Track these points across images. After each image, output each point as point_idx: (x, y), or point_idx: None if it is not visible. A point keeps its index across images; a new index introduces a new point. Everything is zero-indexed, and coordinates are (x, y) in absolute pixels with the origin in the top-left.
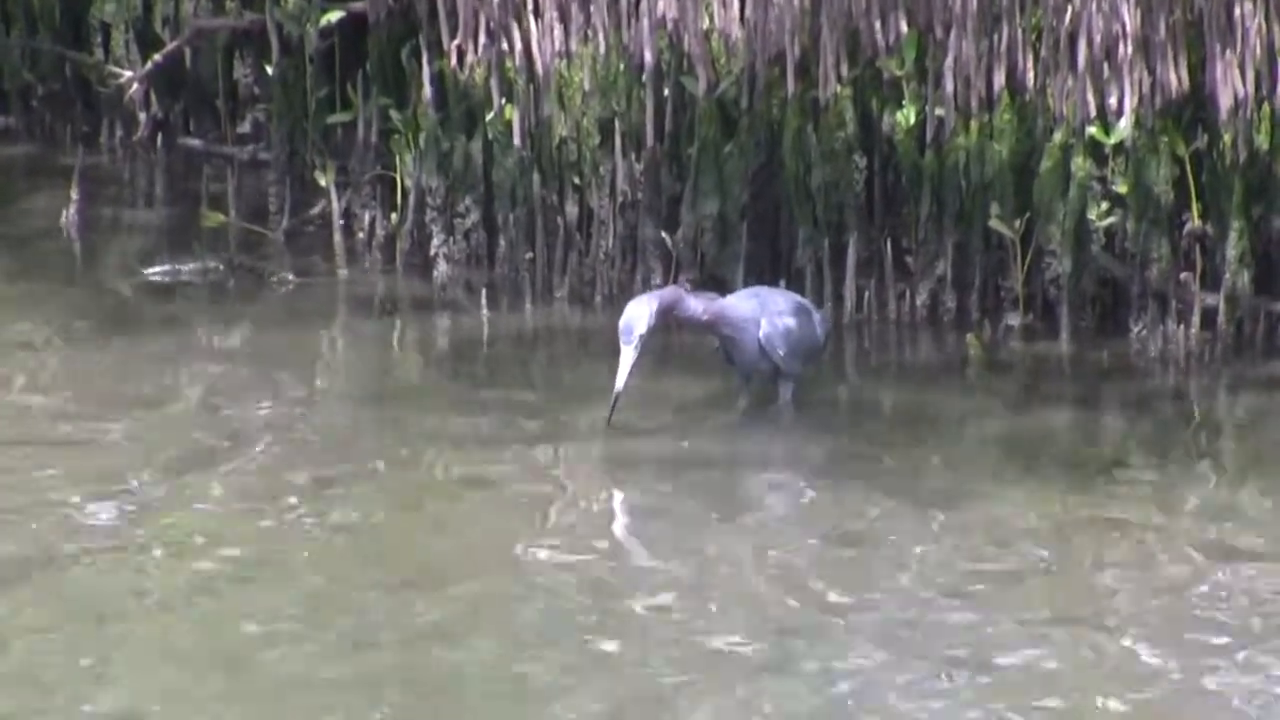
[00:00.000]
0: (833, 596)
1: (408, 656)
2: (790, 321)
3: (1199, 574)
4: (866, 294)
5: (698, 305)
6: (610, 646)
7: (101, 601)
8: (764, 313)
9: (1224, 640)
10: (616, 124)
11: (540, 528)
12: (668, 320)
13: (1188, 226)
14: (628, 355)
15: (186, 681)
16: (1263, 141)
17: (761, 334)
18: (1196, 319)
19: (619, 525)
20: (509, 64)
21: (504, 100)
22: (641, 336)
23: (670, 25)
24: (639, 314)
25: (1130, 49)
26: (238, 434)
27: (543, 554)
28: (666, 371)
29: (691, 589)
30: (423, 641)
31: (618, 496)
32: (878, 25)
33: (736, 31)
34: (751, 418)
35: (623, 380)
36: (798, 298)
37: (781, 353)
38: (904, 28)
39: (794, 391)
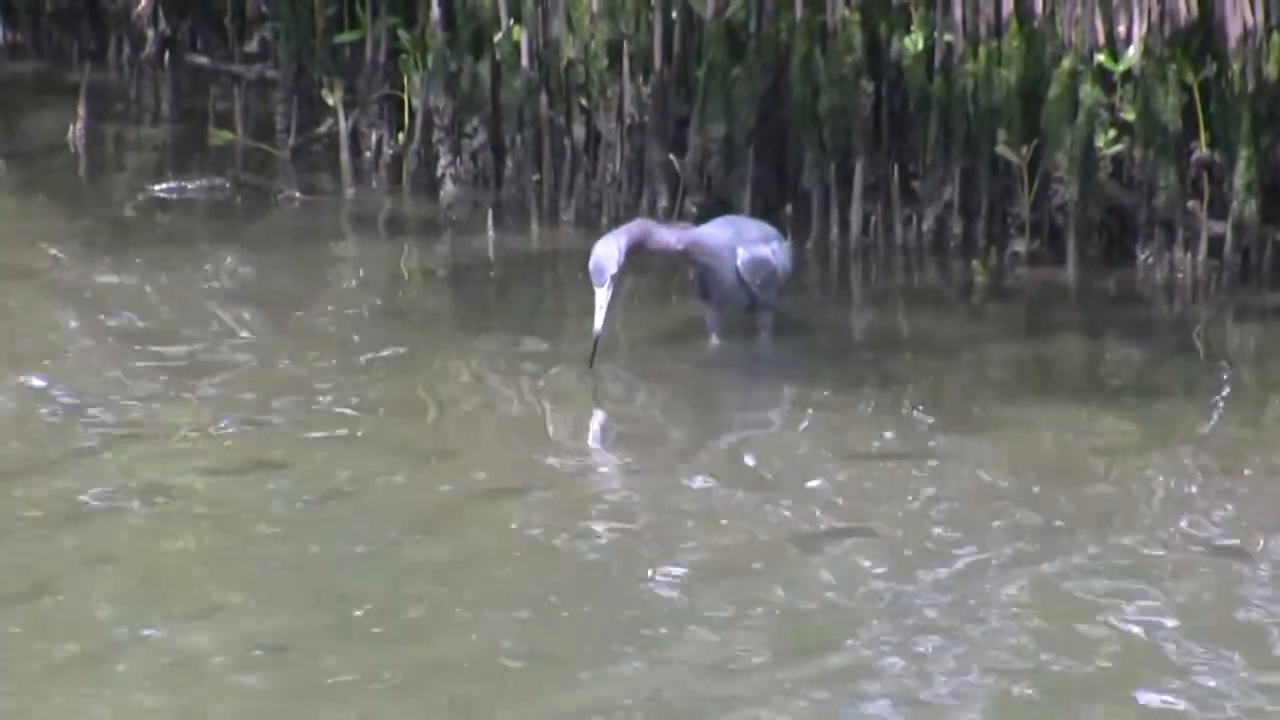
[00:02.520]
0: (835, 520)
1: (395, 590)
2: (765, 250)
3: (1204, 497)
4: (873, 219)
5: (670, 235)
6: (605, 566)
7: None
8: (740, 241)
9: (1235, 564)
10: (624, 46)
11: (537, 453)
12: (641, 254)
13: (1195, 155)
14: (602, 296)
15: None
16: (1271, 71)
17: (739, 261)
18: (1203, 247)
19: (616, 455)
20: None
21: (512, 21)
22: (614, 276)
23: None
24: (608, 254)
25: None
26: (238, 351)
27: (538, 479)
28: (666, 304)
29: (693, 516)
30: (409, 577)
31: (616, 427)
32: None
33: None
34: (735, 350)
35: (600, 322)
36: (769, 227)
37: (759, 280)
38: None
39: (771, 321)
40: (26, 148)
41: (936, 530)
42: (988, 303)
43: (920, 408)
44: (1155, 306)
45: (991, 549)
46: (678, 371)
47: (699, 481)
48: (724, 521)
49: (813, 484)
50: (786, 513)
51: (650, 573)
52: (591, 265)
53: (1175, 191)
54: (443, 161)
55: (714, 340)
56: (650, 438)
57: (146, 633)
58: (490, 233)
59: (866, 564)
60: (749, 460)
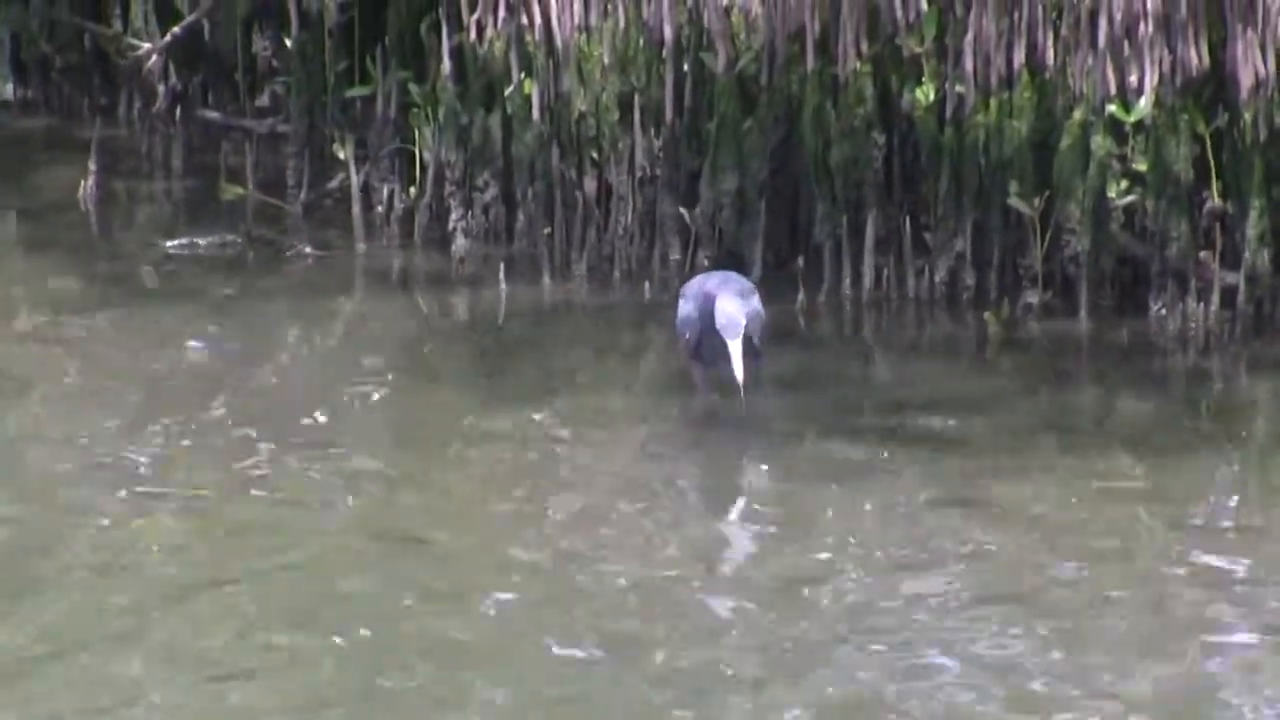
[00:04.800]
0: (849, 564)
1: (407, 627)
2: (756, 298)
3: (1219, 552)
4: (885, 271)
5: None
6: (625, 625)
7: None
8: (742, 294)
9: (1241, 617)
10: (636, 99)
11: (551, 506)
12: None
13: (1208, 205)
14: (737, 348)
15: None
16: None
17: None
18: (1216, 298)
19: (631, 505)
20: (528, 38)
21: (523, 74)
22: (743, 328)
23: (690, 1)
24: (736, 309)
25: (1151, 27)
26: (250, 406)
27: (554, 533)
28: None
29: (700, 560)
30: (422, 614)
31: (631, 476)
32: (898, 2)
33: (756, 7)
34: (737, 406)
35: (740, 369)
36: (740, 276)
37: (758, 328)
38: (924, 4)
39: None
40: (37, 204)
41: (947, 581)
42: (1000, 354)
43: (935, 461)
44: (1168, 358)
45: (1005, 603)
46: (681, 432)
47: (722, 547)
48: (761, 574)
49: (829, 536)
50: (810, 563)
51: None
52: (726, 321)
53: (1188, 242)
54: (454, 215)
55: (711, 397)
56: (668, 496)
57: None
58: (502, 286)
59: (875, 605)
60: (769, 516)
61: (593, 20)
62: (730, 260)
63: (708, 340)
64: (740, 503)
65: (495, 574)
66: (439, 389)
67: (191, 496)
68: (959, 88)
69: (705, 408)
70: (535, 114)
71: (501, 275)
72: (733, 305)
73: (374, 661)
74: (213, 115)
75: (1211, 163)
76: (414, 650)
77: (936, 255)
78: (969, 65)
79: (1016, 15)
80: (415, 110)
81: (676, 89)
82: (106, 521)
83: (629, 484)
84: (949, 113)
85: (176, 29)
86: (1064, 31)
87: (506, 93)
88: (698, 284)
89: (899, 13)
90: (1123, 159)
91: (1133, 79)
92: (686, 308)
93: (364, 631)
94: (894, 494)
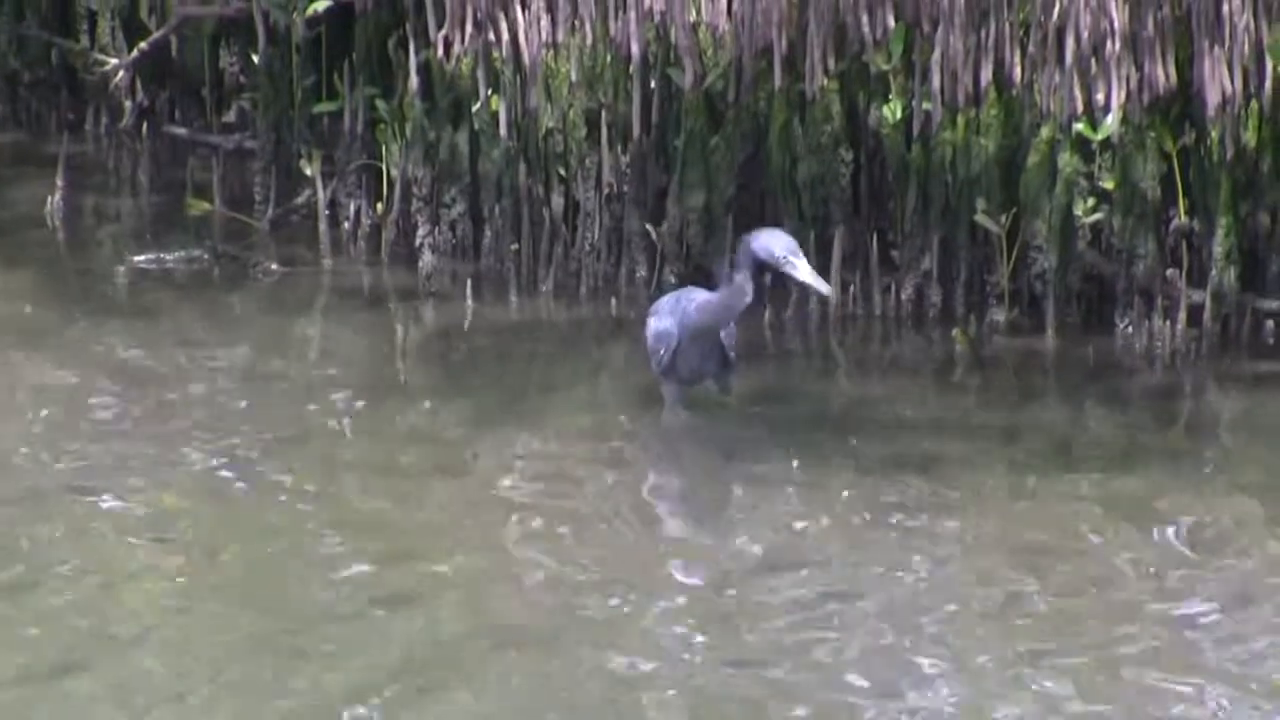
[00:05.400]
0: (811, 589)
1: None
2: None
3: (1186, 573)
4: (852, 288)
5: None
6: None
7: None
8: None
9: (1205, 630)
10: (603, 116)
11: (518, 521)
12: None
13: (1174, 223)
14: (804, 263)
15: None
16: (1250, 138)
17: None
18: (1183, 315)
19: (597, 519)
20: (496, 55)
21: (490, 91)
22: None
23: (657, 17)
24: (777, 237)
25: (1118, 45)
26: (218, 423)
27: (519, 548)
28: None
29: (661, 569)
30: (388, 628)
31: (597, 490)
32: (865, 19)
33: (724, 24)
34: (706, 423)
35: (815, 277)
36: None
37: (733, 341)
38: (891, 22)
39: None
40: (4, 219)
41: (916, 598)
42: (967, 372)
43: (899, 477)
44: (1135, 375)
45: (968, 621)
46: (647, 448)
47: (679, 565)
48: (729, 592)
49: (794, 551)
50: (781, 583)
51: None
52: (787, 242)
53: (1154, 260)
54: (421, 231)
55: (681, 414)
56: (634, 510)
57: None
58: (469, 303)
59: (849, 625)
60: (733, 530)
61: (560, 37)
62: (699, 276)
63: (683, 355)
64: (704, 518)
65: (463, 587)
66: (405, 405)
67: (154, 512)
68: (926, 105)
69: (674, 424)
70: (502, 130)
71: (468, 291)
72: (769, 233)
73: (341, 680)
74: (180, 131)
75: (1178, 180)
76: (381, 670)
77: (903, 272)
78: (936, 83)
79: (984, 33)
80: (382, 126)
81: (644, 106)
82: (59, 533)
83: (594, 498)
84: (916, 130)
85: (144, 45)
86: (1031, 49)
87: (474, 109)
88: (670, 301)
89: (866, 30)
90: (1090, 177)
91: (1100, 97)
92: (662, 324)
93: (328, 646)
94: (859, 509)
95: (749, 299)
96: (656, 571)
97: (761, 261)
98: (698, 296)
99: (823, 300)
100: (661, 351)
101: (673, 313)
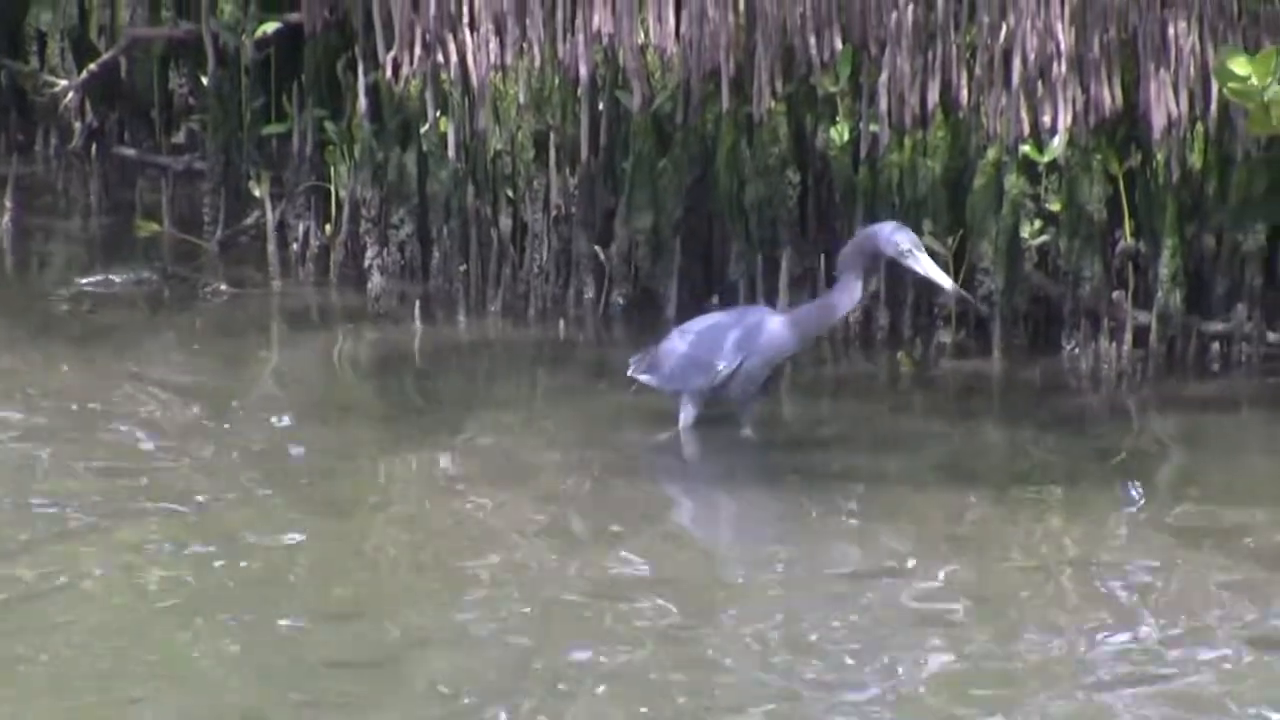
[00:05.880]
0: (750, 603)
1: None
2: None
3: (1126, 589)
4: None
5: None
6: (524, 641)
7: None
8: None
9: (1151, 658)
10: (551, 137)
11: (464, 547)
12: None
13: (1120, 245)
14: (926, 258)
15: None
16: (1196, 160)
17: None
18: (1129, 337)
19: (539, 543)
20: (444, 76)
21: (439, 113)
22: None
23: (605, 39)
24: (895, 229)
25: (1064, 67)
26: (167, 444)
27: (467, 566)
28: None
29: (604, 597)
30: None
31: (545, 514)
32: (812, 41)
33: (672, 46)
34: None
35: (944, 277)
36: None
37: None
38: (839, 44)
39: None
40: None
41: (854, 618)
42: (914, 393)
43: (847, 499)
44: (1081, 397)
45: (909, 643)
46: (594, 473)
47: (621, 581)
48: (659, 600)
49: (736, 575)
50: (719, 599)
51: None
52: (907, 234)
53: (1100, 281)
54: (370, 253)
55: (694, 437)
56: (578, 535)
57: None
58: (418, 324)
59: (790, 642)
60: (677, 554)
61: (508, 59)
62: (646, 298)
63: (749, 375)
64: (649, 541)
65: (398, 611)
66: (353, 426)
67: (97, 532)
68: (873, 127)
69: (690, 444)
70: (451, 152)
71: (416, 312)
72: (891, 226)
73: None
74: (129, 152)
75: (1124, 203)
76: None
77: None
78: (883, 104)
79: (931, 55)
80: (331, 148)
81: (592, 127)
82: None
83: (542, 523)
84: (863, 152)
85: (93, 66)
86: (978, 71)
87: (422, 131)
88: (707, 325)
89: (814, 52)
90: (1036, 198)
91: (1046, 119)
92: (710, 349)
93: (278, 659)
94: (804, 531)
95: (858, 301)
96: (604, 594)
97: (878, 256)
98: (765, 314)
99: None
100: (721, 368)
101: (725, 333)
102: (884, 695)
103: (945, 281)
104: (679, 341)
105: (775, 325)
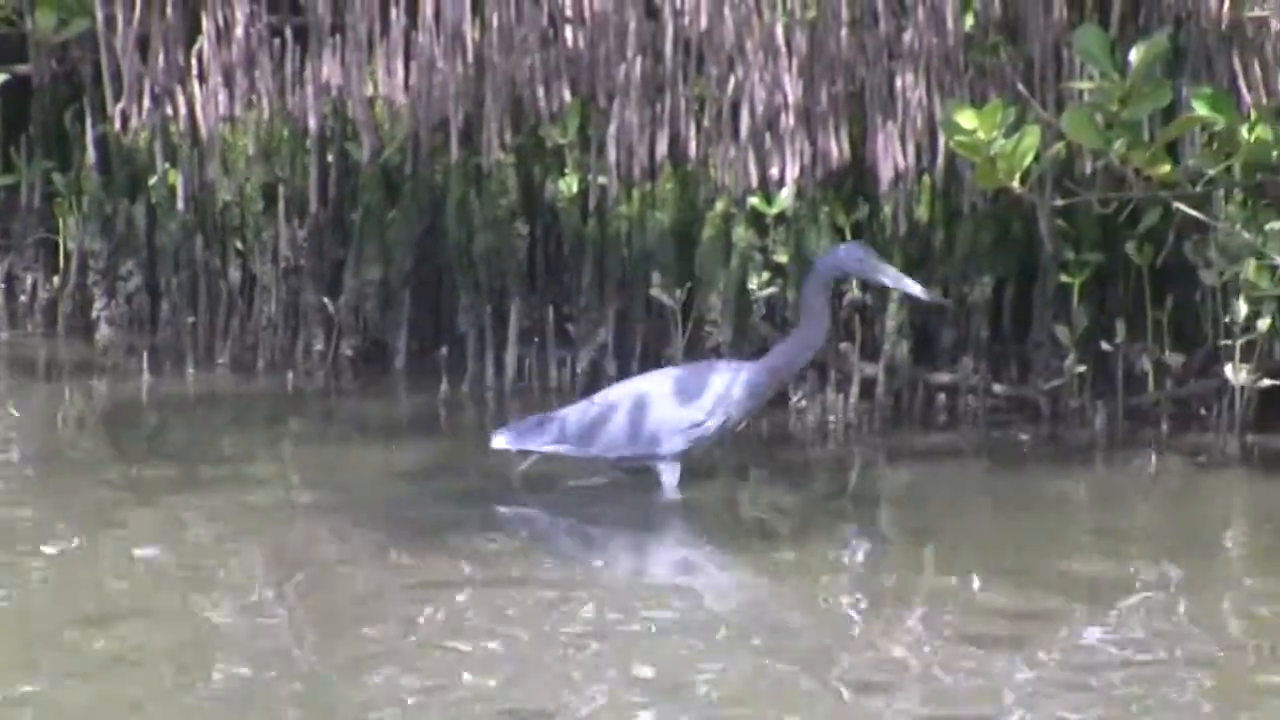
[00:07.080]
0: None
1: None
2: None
3: (861, 639)
4: (528, 361)
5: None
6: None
7: None
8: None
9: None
10: (280, 189)
11: (193, 604)
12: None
13: (847, 296)
14: (890, 269)
15: None
16: (923, 213)
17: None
18: (855, 389)
19: (276, 602)
20: (173, 128)
21: (168, 164)
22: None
23: (335, 91)
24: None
25: (792, 119)
26: None
27: (208, 633)
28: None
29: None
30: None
31: (279, 572)
32: (541, 93)
33: (401, 98)
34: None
35: (912, 284)
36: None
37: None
38: (568, 95)
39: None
40: None
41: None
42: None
43: (556, 550)
44: (808, 449)
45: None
46: (331, 526)
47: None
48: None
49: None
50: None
51: None
52: (861, 253)
53: (827, 333)
54: (98, 304)
55: (678, 495)
56: (302, 596)
57: None
58: (145, 376)
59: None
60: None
61: (237, 111)
62: (376, 350)
63: (719, 432)
64: (360, 579)
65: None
66: (78, 480)
67: None
68: (602, 179)
69: (674, 501)
70: (180, 204)
71: (144, 364)
72: (843, 247)
73: None
74: None
75: None
76: None
77: (579, 345)
78: (612, 156)
79: (659, 107)
80: (59, 199)
81: (321, 179)
82: None
83: (273, 579)
84: (592, 204)
85: None
86: (706, 123)
87: (151, 182)
88: (667, 381)
89: (542, 103)
90: (764, 250)
91: (774, 171)
92: (684, 407)
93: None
94: (521, 585)
95: (828, 329)
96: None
97: (843, 276)
98: (733, 366)
99: (917, 302)
100: (709, 424)
101: (700, 390)
102: None
103: (916, 288)
104: (618, 407)
105: (749, 374)
